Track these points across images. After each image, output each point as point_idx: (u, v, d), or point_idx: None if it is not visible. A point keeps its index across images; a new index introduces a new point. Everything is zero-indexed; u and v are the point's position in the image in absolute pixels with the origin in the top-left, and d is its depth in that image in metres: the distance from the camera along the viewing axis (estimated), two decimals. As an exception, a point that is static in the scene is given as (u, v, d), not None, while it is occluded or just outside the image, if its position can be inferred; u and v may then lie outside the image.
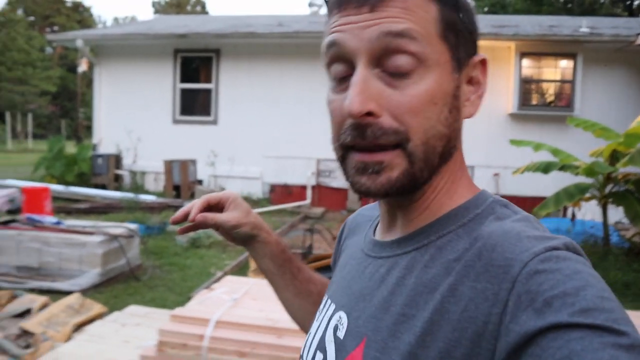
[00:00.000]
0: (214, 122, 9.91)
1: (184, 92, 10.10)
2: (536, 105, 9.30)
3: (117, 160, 9.88)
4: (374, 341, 0.58)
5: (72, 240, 4.79)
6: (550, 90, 9.45)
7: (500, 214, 0.59)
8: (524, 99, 9.21)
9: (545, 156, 6.94)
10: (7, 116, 23.70)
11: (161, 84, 10.08)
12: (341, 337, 0.64)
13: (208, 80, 10.00)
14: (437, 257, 0.58)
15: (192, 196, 8.91)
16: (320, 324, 0.71)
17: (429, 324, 0.53)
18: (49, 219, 5.18)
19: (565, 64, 9.27)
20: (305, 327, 0.93)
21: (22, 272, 4.92)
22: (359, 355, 0.59)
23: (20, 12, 43.11)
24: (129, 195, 8.16)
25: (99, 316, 3.71)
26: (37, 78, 36.66)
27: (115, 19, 53.67)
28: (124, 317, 3.44)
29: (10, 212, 8.34)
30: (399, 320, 0.57)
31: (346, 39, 0.57)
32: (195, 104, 10.08)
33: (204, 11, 48.69)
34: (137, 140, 9.68)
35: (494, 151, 9.18)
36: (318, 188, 9.58)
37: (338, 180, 9.34)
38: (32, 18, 43.98)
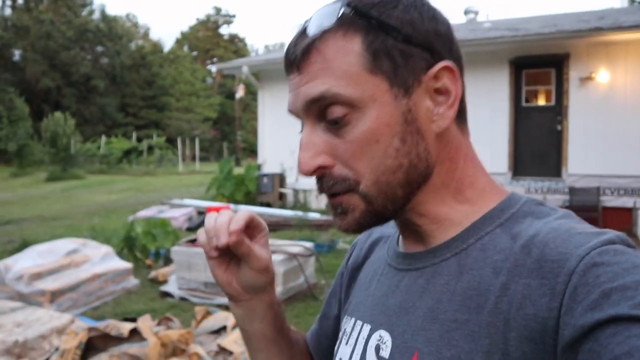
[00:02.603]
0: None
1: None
2: None
3: (281, 179, 10.25)
4: (427, 353, 0.55)
5: (254, 258, 4.90)
6: None
7: (538, 212, 0.58)
8: None
9: None
10: (178, 142, 26.23)
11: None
12: (386, 357, 0.60)
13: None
14: (482, 259, 0.56)
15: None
16: (354, 348, 0.66)
17: (485, 328, 0.52)
18: (232, 237, 5.38)
19: None
20: None
21: (209, 288, 5.15)
22: None
23: (185, 48, 48.01)
24: (296, 213, 8.34)
25: (289, 336, 3.67)
26: (200, 106, 40.44)
27: (266, 47, 57.37)
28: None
29: (189, 229, 9.02)
30: (452, 327, 0.54)
31: (290, 102, 0.61)
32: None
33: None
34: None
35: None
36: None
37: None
38: (195, 53, 48.71)
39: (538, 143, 8.97)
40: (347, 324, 0.72)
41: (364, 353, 0.64)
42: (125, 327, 3.22)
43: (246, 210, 0.70)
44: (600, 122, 8.36)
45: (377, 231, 0.81)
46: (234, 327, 3.80)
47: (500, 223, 0.59)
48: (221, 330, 3.79)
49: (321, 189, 0.60)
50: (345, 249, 6.78)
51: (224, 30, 52.18)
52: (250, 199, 10.42)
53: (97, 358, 3.13)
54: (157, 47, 45.08)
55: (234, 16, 51.09)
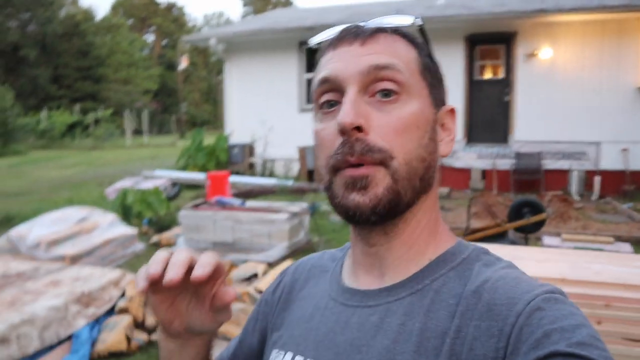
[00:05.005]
0: (338, 109, 10.45)
1: (310, 81, 10.67)
2: (669, 76, 9.04)
3: (250, 149, 10.70)
4: None
5: (262, 218, 5.46)
6: (685, 59, 9.13)
7: (486, 260, 0.63)
8: (656, 70, 8.98)
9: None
10: (125, 115, 25.73)
11: (287, 75, 10.75)
12: None
13: (331, 70, 10.53)
14: (438, 302, 0.59)
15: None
16: None
17: None
18: (235, 201, 5.90)
19: (702, 30, 8.95)
20: None
21: (218, 247, 5.66)
22: None
23: (121, 16, 46.15)
24: (268, 181, 8.85)
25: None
26: (140, 77, 39.26)
27: (205, 17, 56.10)
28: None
29: (167, 199, 9.35)
30: None
31: (338, 70, 0.62)
32: (320, 93, 10.65)
33: (288, 2, 49.74)
34: (269, 130, 10.41)
35: (622, 126, 9.05)
36: (442, 168, 9.84)
37: (461, 160, 9.59)
38: (130, 21, 46.97)
39: (489, 113, 9.94)
40: (281, 358, 0.69)
41: None
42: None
43: (185, 252, 0.60)
44: (543, 94, 9.39)
45: (310, 262, 0.81)
46: (264, 273, 4.38)
47: (453, 267, 0.63)
48: (252, 278, 4.36)
49: (349, 153, 0.59)
50: (328, 210, 7.42)
51: (161, -2, 50.41)
52: (220, 169, 10.82)
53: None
54: (88, 15, 43.09)
55: (170, -17, 49.45)
